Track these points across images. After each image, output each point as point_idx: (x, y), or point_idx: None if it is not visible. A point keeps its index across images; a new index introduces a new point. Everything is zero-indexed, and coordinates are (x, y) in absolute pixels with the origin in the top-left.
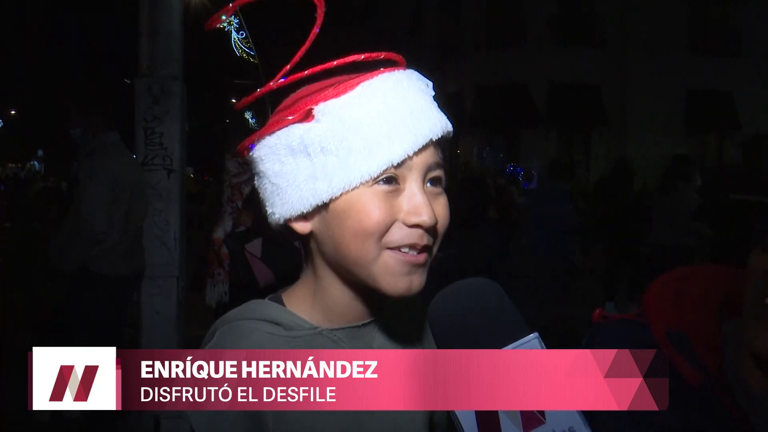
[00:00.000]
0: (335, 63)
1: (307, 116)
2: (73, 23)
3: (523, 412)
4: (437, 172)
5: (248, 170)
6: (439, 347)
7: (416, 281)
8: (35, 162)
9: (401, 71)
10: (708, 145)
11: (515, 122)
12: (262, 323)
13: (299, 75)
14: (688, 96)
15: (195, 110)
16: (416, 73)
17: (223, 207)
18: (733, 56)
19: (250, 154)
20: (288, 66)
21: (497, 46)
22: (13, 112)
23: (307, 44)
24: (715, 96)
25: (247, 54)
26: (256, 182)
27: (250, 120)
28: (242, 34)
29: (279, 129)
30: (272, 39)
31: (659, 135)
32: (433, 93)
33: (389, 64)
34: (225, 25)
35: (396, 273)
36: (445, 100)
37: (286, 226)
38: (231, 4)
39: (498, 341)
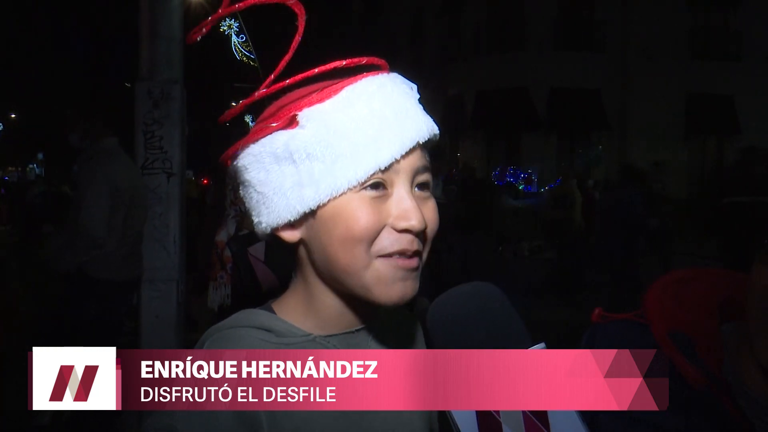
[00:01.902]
0: (317, 70)
1: (291, 122)
2: (74, 27)
3: (527, 429)
4: (425, 176)
5: None
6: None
7: (410, 287)
8: (35, 165)
9: (385, 75)
10: (708, 149)
11: (516, 126)
12: (253, 330)
13: (281, 84)
14: (689, 100)
15: (195, 114)
16: (400, 76)
17: (226, 210)
18: (733, 61)
19: (234, 163)
20: (272, 75)
21: (498, 50)
22: (13, 116)
23: (290, 53)
24: (716, 100)
25: (247, 57)
26: (241, 191)
27: (250, 124)
28: (242, 38)
29: (263, 137)
30: (272, 42)
31: (659, 139)
32: (418, 96)
33: (372, 69)
34: (225, 28)
35: (388, 281)
36: (446, 103)
37: (274, 235)
38: (210, 17)
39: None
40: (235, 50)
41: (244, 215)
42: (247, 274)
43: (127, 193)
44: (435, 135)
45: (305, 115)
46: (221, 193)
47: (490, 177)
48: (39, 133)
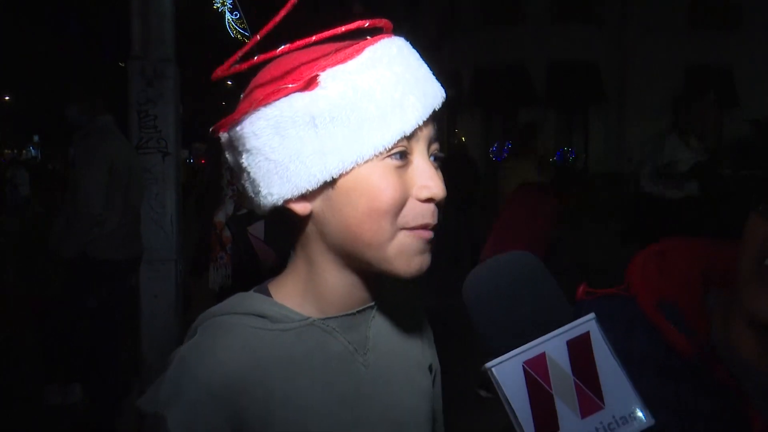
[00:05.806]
0: (343, 29)
1: (311, 84)
2: (68, 7)
3: (580, 397)
4: (436, 145)
5: None
6: (480, 326)
7: (426, 260)
8: (31, 147)
9: (400, 38)
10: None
11: (513, 100)
12: (247, 317)
13: (306, 40)
14: (687, 72)
15: (189, 93)
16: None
17: (224, 190)
18: (732, 32)
19: (236, 129)
20: (262, 32)
21: (496, 23)
22: (7, 98)
23: (286, 8)
24: (714, 72)
25: (242, 35)
26: (242, 161)
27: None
28: (236, 15)
29: (277, 99)
30: (267, 20)
31: (658, 112)
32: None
33: (377, 32)
34: (218, 5)
35: (411, 253)
36: (443, 78)
37: (281, 208)
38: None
39: (547, 319)
40: (229, 27)
41: (242, 194)
42: (247, 253)
43: (126, 171)
44: (444, 102)
45: (328, 75)
46: (217, 173)
47: (487, 153)
48: (34, 115)
